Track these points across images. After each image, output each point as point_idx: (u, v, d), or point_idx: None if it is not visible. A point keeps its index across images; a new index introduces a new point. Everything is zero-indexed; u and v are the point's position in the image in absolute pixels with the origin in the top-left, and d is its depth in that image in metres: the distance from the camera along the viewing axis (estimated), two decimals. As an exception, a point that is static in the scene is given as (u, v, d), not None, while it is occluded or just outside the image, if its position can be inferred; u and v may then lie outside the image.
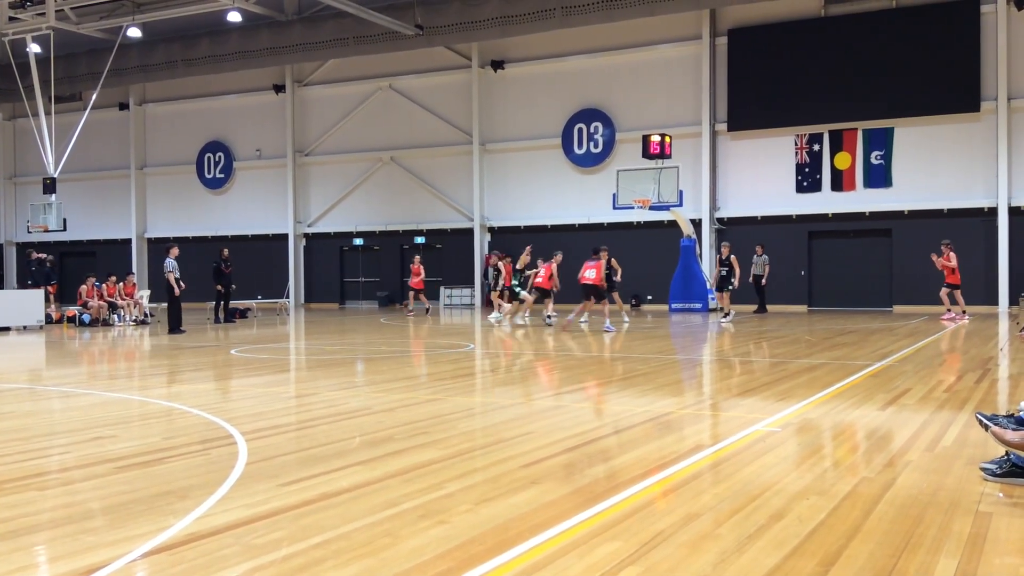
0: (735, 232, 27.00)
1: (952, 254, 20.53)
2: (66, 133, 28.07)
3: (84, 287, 21.95)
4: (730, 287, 20.86)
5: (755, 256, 24.59)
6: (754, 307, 24.97)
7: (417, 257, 25.94)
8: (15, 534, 4.01)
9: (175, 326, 18.20)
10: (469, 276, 30.65)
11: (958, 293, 20.64)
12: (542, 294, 19.76)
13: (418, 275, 25.12)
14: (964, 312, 20.65)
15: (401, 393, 8.85)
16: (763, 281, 24.51)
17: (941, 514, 4.22)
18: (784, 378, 9.64)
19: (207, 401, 8.26)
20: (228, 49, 30.19)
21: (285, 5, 29.84)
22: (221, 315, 22.37)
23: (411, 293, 25.42)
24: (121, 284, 22.68)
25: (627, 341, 15.24)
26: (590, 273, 17.49)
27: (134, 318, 22.23)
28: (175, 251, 18.91)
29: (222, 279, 22.34)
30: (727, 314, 20.97)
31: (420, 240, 31.64)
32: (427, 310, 25.83)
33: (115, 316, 21.94)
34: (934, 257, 20.94)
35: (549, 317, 19.67)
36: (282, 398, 8.71)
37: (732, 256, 20.98)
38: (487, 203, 30.52)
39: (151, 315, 23.13)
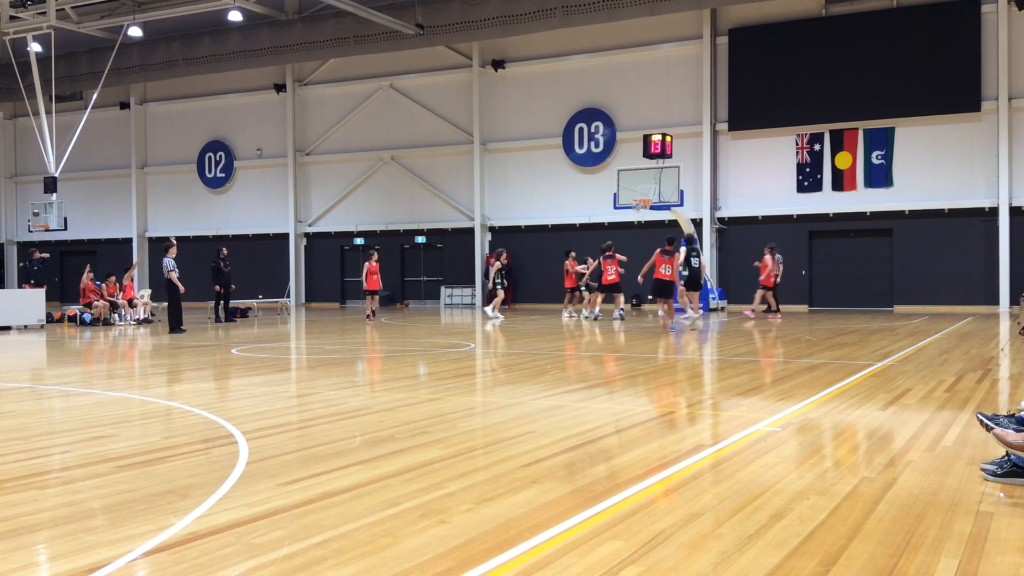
0: (736, 232, 27.02)
1: (768, 258, 21.26)
2: (67, 132, 28.08)
3: (85, 280, 21.87)
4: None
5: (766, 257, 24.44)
6: (763, 307, 24.97)
7: (374, 255, 23.00)
8: (16, 533, 4.01)
9: (176, 325, 18.20)
10: (470, 276, 30.66)
11: (770, 295, 21.54)
12: (612, 289, 21.02)
13: (375, 274, 22.37)
14: (770, 310, 21.61)
15: (401, 392, 8.85)
16: (777, 280, 24.38)
17: (942, 514, 4.22)
18: (785, 378, 9.64)
19: (208, 400, 8.26)
20: (229, 48, 30.20)
21: (286, 4, 29.86)
22: (221, 314, 22.38)
23: (369, 297, 22.60)
24: (123, 275, 22.60)
25: (627, 341, 15.24)
26: (666, 268, 16.90)
27: (136, 318, 22.22)
28: (173, 251, 18.84)
29: (221, 278, 22.35)
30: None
31: (421, 240, 31.66)
32: (369, 314, 22.53)
33: (116, 315, 21.94)
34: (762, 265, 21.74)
35: (620, 311, 21.25)
36: (283, 397, 8.71)
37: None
38: (488, 203, 30.52)
39: (154, 314, 23.11)
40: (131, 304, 22.37)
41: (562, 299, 24.21)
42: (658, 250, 17.15)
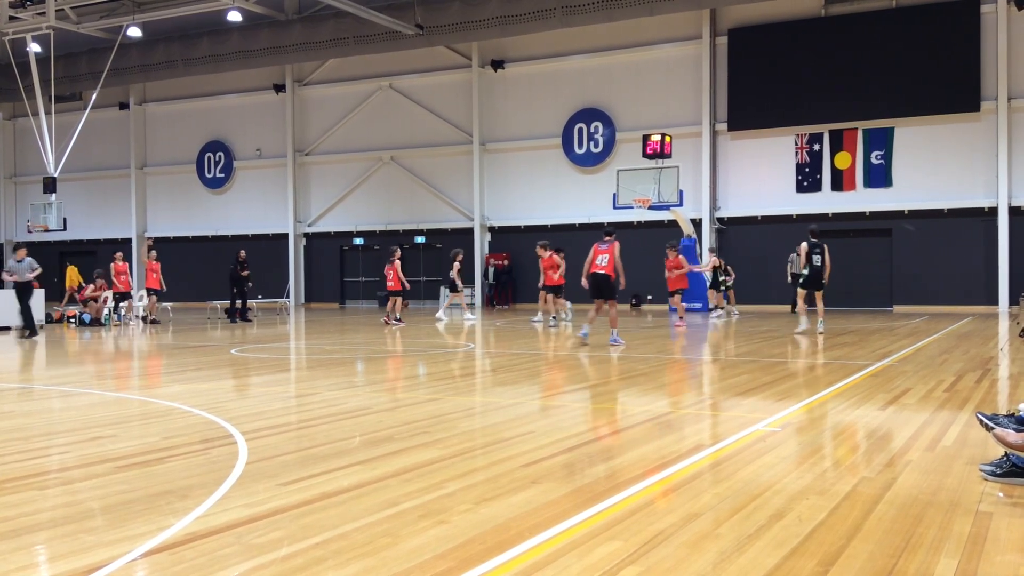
0: (736, 232, 27.02)
1: (683, 258, 19.74)
2: (66, 133, 28.07)
3: (146, 258, 21.91)
4: (722, 288, 22.14)
5: (794, 255, 23.94)
6: (789, 307, 24.59)
7: (397, 251, 21.12)
8: (15, 533, 4.01)
9: (31, 327, 17.70)
10: (469, 276, 30.62)
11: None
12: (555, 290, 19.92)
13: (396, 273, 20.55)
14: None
15: (401, 392, 8.85)
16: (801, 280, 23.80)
17: (941, 514, 4.22)
18: (784, 378, 9.64)
19: (207, 400, 8.26)
20: (228, 49, 30.20)
21: (285, 5, 29.86)
22: (236, 315, 22.43)
23: (394, 300, 20.58)
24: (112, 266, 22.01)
25: (627, 341, 15.23)
26: (602, 259, 13.89)
27: (140, 315, 22.13)
28: (24, 252, 18.15)
29: (237, 281, 22.35)
30: (714, 309, 21.98)
31: (420, 240, 31.66)
32: (395, 319, 20.44)
33: (115, 315, 21.87)
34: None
35: (555, 317, 20.05)
36: (282, 397, 8.71)
37: (714, 257, 22.16)
38: (487, 203, 30.53)
39: (149, 314, 23.05)
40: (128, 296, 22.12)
41: (570, 299, 23.31)
42: (596, 243, 14.37)
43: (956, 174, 24.72)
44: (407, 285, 20.94)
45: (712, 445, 6.10)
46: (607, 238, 14.14)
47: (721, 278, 22.22)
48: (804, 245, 16.02)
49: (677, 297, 19.89)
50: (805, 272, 16.13)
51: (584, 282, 14.28)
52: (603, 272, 13.80)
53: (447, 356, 13.09)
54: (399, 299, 20.71)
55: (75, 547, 3.81)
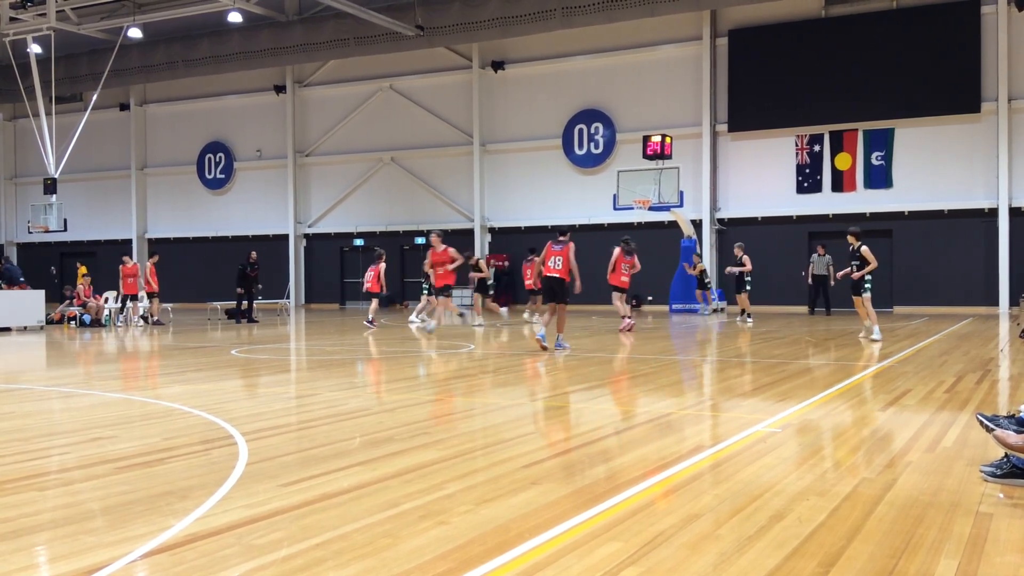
0: (736, 233, 27.00)
1: (618, 250, 17.52)
2: (67, 133, 28.09)
3: (148, 265, 21.85)
4: (747, 288, 20.68)
5: (815, 256, 23.50)
6: (807, 308, 24.25)
7: (383, 255, 20.52)
8: (15, 534, 4.01)
9: None
10: (465, 277, 30.60)
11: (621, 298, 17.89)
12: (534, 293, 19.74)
13: (377, 277, 19.96)
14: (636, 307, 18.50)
15: (401, 394, 8.85)
16: (832, 281, 22.67)
17: (942, 515, 4.22)
18: (784, 379, 9.64)
19: (207, 401, 8.26)
20: (229, 50, 30.23)
21: (286, 6, 29.88)
22: (240, 316, 22.42)
23: (376, 301, 20.16)
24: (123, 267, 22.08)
25: (625, 342, 15.23)
26: (555, 262, 13.23)
27: (144, 315, 22.12)
28: None
29: (244, 282, 22.30)
30: (746, 314, 20.81)
31: (421, 241, 31.65)
32: (367, 321, 19.63)
33: (119, 316, 21.86)
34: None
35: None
36: (282, 398, 8.71)
37: (745, 256, 20.76)
38: (488, 204, 30.53)
39: (147, 316, 23.04)
40: (132, 299, 22.11)
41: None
42: (549, 242, 13.67)
43: (956, 175, 24.72)
44: (386, 289, 20.31)
45: (712, 446, 6.10)
46: (561, 238, 13.47)
47: (706, 279, 22.00)
48: (866, 248, 15.26)
49: (623, 296, 17.64)
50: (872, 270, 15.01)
51: (538, 282, 13.72)
52: (556, 275, 13.25)
53: (446, 357, 13.09)
54: (375, 300, 20.29)
55: (75, 548, 3.81)
